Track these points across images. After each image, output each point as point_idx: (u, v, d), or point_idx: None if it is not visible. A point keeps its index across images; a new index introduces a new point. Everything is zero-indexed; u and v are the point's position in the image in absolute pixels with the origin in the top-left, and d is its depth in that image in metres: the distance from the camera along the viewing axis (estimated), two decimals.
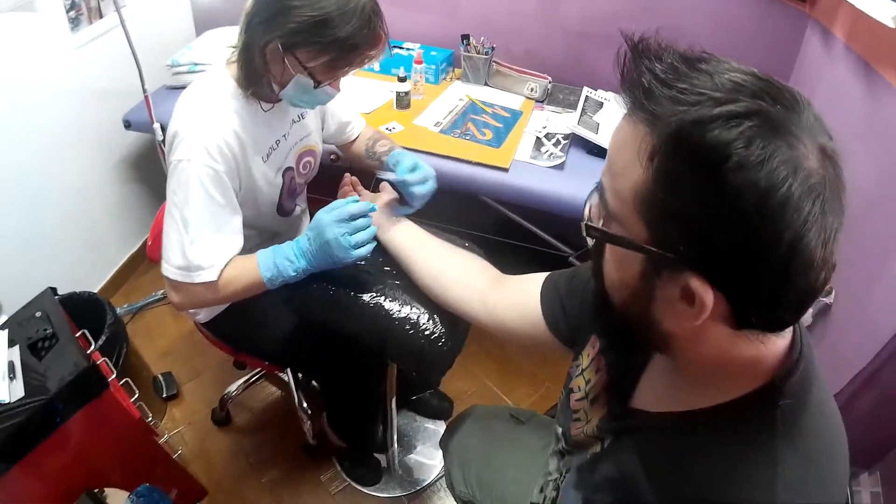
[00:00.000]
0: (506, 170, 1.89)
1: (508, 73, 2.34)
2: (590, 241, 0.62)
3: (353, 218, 1.18)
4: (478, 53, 2.34)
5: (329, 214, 1.18)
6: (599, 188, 0.59)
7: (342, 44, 1.12)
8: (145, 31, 2.22)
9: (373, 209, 1.20)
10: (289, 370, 1.85)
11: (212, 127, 1.19)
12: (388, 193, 1.34)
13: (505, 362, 2.37)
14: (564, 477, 0.87)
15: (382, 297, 1.21)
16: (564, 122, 2.16)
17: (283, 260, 1.21)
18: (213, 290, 1.21)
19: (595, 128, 2.08)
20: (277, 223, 1.48)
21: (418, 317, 1.18)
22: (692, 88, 0.50)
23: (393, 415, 1.76)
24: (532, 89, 2.33)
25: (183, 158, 1.16)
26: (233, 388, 2.08)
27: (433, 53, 2.37)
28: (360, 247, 1.16)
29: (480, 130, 2.06)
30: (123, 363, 1.84)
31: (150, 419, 1.71)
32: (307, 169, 1.50)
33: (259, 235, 1.47)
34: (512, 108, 2.25)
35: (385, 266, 1.27)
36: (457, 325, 1.22)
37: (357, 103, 2.13)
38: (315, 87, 1.19)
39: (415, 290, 1.21)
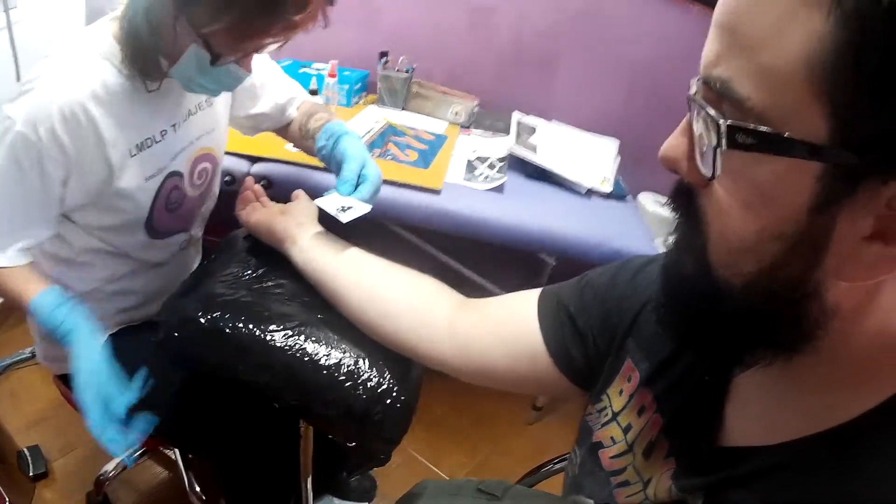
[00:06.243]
0: (437, 192, 1.61)
1: (430, 95, 2.10)
2: (702, 170, 0.41)
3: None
4: (397, 72, 2.08)
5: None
6: (715, 84, 0.38)
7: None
8: (32, 37, 1.83)
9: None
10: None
11: (62, 88, 0.88)
12: (301, 203, 1.02)
13: (431, 425, 2.05)
14: None
15: (302, 338, 0.85)
16: (496, 145, 1.93)
17: (57, 312, 0.94)
18: None
19: (533, 149, 1.86)
20: (150, 248, 1.13)
21: (355, 362, 0.84)
22: None
23: (308, 499, 1.38)
24: (457, 113, 2.09)
25: (11, 116, 0.86)
26: (110, 466, 1.64)
27: (346, 73, 2.09)
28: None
29: (403, 151, 1.77)
30: None
31: None
32: (203, 179, 1.16)
33: (130, 262, 1.12)
34: (436, 131, 2.00)
35: (302, 296, 0.93)
36: (408, 371, 0.89)
37: None
38: (213, 64, 0.88)
39: (345, 327, 0.88)
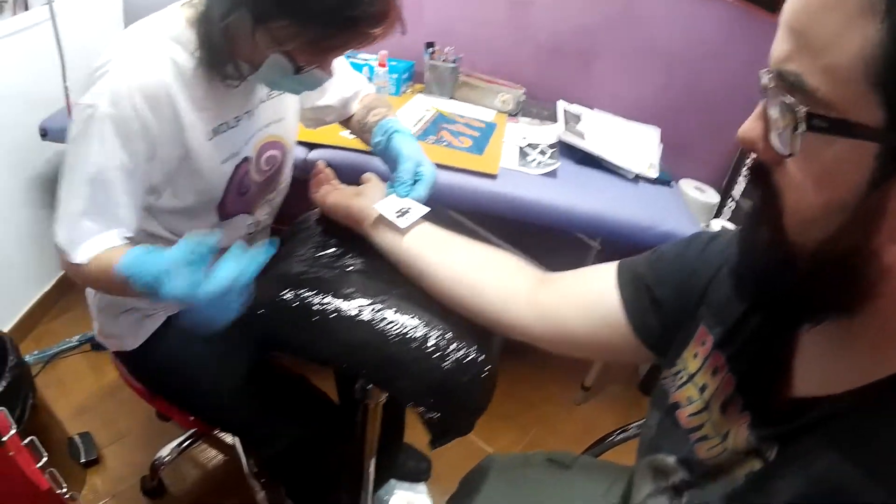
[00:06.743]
0: (494, 177, 1.64)
1: (477, 85, 2.12)
2: (779, 149, 0.46)
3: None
4: (444, 62, 2.10)
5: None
6: (788, 77, 0.44)
7: (330, 18, 0.83)
8: (71, 30, 1.88)
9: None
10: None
11: (141, 66, 0.89)
12: (373, 186, 1.05)
13: None
14: None
15: (390, 311, 0.87)
16: (545, 132, 1.95)
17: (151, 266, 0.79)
18: (84, 275, 0.93)
19: (581, 136, 1.87)
20: (218, 228, 1.14)
21: (442, 335, 0.86)
22: None
23: (369, 481, 1.38)
24: (504, 101, 2.11)
25: (92, 103, 0.87)
26: (165, 451, 1.67)
27: (393, 63, 2.12)
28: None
29: (457, 138, 1.80)
30: (30, 419, 1.43)
31: (63, 490, 1.32)
32: (271, 166, 1.18)
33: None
34: (485, 119, 2.02)
35: (382, 273, 0.95)
36: (490, 342, 0.91)
37: None
38: (296, 74, 0.90)
39: (426, 301, 0.90)
